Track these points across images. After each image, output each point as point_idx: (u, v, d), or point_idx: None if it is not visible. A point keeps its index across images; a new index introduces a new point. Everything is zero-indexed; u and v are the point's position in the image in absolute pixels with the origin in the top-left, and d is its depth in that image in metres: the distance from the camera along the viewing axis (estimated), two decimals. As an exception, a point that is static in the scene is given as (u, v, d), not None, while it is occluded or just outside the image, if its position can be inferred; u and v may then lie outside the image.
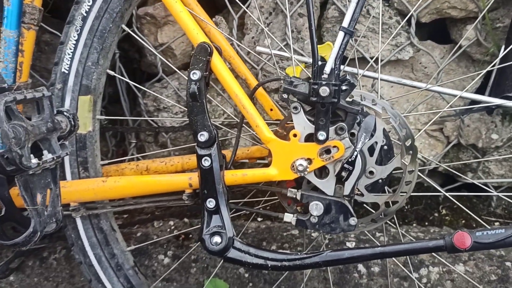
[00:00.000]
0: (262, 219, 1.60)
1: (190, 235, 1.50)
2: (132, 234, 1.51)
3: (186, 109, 0.93)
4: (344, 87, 0.88)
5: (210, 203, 0.92)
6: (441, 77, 1.28)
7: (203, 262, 1.39)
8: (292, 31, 1.33)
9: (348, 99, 0.92)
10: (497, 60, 1.06)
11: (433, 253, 1.32)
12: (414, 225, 1.49)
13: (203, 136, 0.91)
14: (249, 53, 1.39)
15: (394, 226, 1.44)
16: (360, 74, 1.12)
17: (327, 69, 0.86)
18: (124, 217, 1.63)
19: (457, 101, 1.35)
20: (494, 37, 1.21)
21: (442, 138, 1.41)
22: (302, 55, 1.31)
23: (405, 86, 1.08)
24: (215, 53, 0.93)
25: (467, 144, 1.37)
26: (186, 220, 1.59)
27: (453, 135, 1.38)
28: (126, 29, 1.08)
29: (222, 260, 1.32)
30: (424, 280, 1.29)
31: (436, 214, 1.50)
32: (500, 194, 0.99)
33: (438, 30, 1.38)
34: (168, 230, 1.53)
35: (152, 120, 1.57)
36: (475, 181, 1.23)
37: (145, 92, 1.57)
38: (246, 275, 1.37)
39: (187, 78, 0.91)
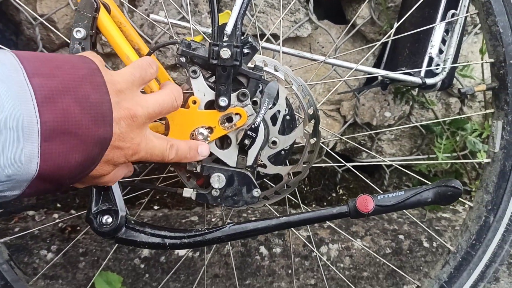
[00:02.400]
0: (159, 207, 1.50)
1: (78, 228, 1.36)
2: (8, 230, 1.33)
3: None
4: (246, 50, 0.84)
5: (99, 179, 0.81)
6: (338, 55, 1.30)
7: (93, 255, 1.26)
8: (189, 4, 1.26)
9: (250, 64, 0.87)
10: (391, 33, 1.09)
11: (332, 230, 1.34)
12: (314, 205, 1.50)
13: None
14: (142, 25, 1.29)
15: (294, 209, 1.43)
16: (260, 46, 1.08)
17: (228, 29, 0.80)
18: (-2, 211, 1.43)
19: (353, 81, 1.38)
20: (387, 16, 1.25)
21: (339, 118, 1.44)
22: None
23: (304, 59, 1.06)
24: (102, 9, 0.83)
25: (362, 123, 1.41)
26: (73, 211, 1.44)
27: (349, 114, 1.41)
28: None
29: (115, 244, 1.22)
30: (325, 258, 1.30)
31: (333, 194, 1.53)
32: (394, 164, 1.01)
33: (334, 11, 1.40)
34: (52, 223, 1.37)
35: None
36: (393, 162, 1.26)
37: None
38: (142, 265, 1.26)
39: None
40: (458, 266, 1.04)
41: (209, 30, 1.10)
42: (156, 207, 1.49)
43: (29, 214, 1.39)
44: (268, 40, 1.25)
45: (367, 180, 1.09)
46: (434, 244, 1.34)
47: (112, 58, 1.37)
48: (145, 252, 1.27)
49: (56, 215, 1.40)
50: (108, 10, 0.86)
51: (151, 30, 1.28)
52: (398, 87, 1.36)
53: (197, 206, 1.51)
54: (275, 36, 1.31)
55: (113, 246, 1.25)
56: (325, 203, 1.51)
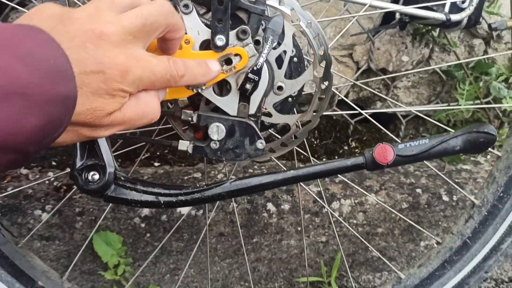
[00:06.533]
0: (159, 164, 1.42)
1: (74, 186, 1.28)
2: (1, 190, 1.26)
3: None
4: (245, -20, 0.72)
5: (83, 131, 0.72)
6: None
7: (90, 214, 1.19)
8: None
9: (250, -3, 0.76)
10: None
11: (345, 185, 1.25)
12: (324, 159, 1.41)
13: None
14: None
15: (303, 164, 1.34)
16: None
17: (224, -46, 0.68)
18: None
19: (367, 22, 1.26)
20: None
21: (352, 64, 1.32)
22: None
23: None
24: None
25: (377, 69, 1.29)
26: (68, 169, 1.36)
27: (363, 60, 1.29)
28: None
29: (107, 204, 1.14)
30: (337, 214, 1.22)
31: (345, 147, 1.43)
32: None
33: None
34: (47, 182, 1.30)
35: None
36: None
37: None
38: (143, 225, 1.19)
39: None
40: (483, 221, 0.95)
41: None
42: (156, 164, 1.41)
43: (22, 173, 1.31)
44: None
45: (384, 129, 0.99)
46: (454, 198, 1.25)
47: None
48: (145, 210, 1.20)
49: (51, 174, 1.33)
50: None
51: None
52: (417, 28, 1.24)
53: (200, 162, 1.43)
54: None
55: (111, 205, 1.18)
56: (336, 157, 1.41)
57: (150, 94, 0.57)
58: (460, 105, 1.23)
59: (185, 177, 1.32)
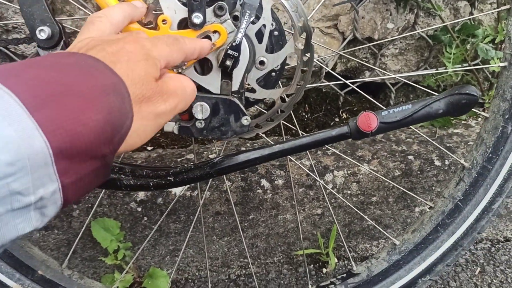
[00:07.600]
0: (152, 147, 1.42)
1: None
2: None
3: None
4: (218, -46, 0.71)
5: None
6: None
7: (86, 202, 1.20)
8: None
9: (225, -28, 0.75)
10: None
11: (337, 157, 1.26)
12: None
13: (43, 33, 0.70)
14: None
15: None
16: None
17: None
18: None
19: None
20: None
21: (337, 35, 1.31)
22: None
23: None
24: None
25: (363, 38, 1.28)
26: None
27: (348, 30, 1.28)
28: None
29: (101, 191, 1.15)
30: (330, 186, 1.23)
31: (336, 119, 1.43)
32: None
33: None
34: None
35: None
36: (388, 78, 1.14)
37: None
38: (139, 209, 1.20)
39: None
40: (473, 183, 0.96)
41: None
42: (149, 148, 1.41)
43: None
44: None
45: (371, 99, 0.99)
46: (446, 162, 1.26)
47: None
48: (141, 195, 1.20)
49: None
50: None
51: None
52: (400, -7, 1.23)
53: (192, 143, 1.43)
54: None
55: (107, 192, 1.18)
56: (328, 129, 1.41)
57: (175, 74, 0.60)
58: (447, 69, 1.22)
59: (179, 159, 1.32)
